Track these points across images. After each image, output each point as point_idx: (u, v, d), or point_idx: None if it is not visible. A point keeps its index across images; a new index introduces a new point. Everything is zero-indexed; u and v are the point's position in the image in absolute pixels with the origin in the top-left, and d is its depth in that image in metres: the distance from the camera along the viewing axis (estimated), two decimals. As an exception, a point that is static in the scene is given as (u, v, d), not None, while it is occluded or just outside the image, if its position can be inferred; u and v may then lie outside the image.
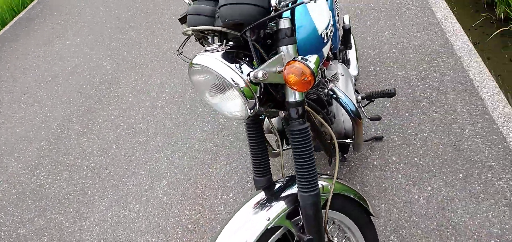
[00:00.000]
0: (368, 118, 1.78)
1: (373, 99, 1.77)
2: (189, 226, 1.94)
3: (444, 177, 1.73)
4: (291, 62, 0.87)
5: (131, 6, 4.52)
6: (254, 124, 1.14)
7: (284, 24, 0.93)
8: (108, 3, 4.80)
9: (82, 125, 2.92)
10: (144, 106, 2.87)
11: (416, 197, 1.70)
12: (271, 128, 1.32)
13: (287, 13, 0.93)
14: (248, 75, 0.91)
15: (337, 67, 1.63)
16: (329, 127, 1.19)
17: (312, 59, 0.87)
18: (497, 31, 2.64)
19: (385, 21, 2.80)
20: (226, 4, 0.88)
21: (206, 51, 0.95)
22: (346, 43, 1.96)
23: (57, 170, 2.59)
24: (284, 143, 1.56)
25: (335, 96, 1.38)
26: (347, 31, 1.92)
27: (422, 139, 1.91)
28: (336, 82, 1.46)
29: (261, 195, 1.12)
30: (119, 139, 2.65)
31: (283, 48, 0.93)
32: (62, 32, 4.47)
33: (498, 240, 1.49)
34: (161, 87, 3.00)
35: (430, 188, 1.71)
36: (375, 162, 1.88)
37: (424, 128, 1.96)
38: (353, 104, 1.37)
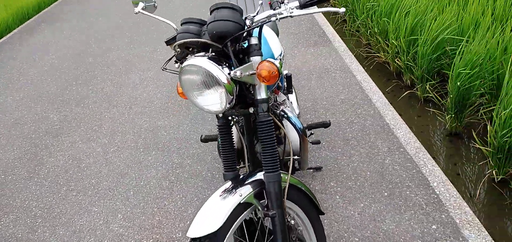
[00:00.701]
0: (310, 142, 2.12)
1: (312, 129, 2.12)
2: (148, 252, 2.02)
3: (373, 196, 2.08)
4: (262, 62, 1.18)
5: (79, 64, 4.63)
6: (225, 126, 1.40)
7: (253, 41, 1.26)
8: (53, 61, 4.86)
9: (28, 170, 2.88)
10: (95, 151, 2.95)
11: (352, 212, 2.02)
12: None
13: (256, 33, 1.27)
14: (229, 74, 1.19)
15: (284, 97, 1.97)
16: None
17: (276, 62, 1.19)
18: (406, 92, 3.25)
19: (316, 81, 3.29)
20: (214, 21, 1.19)
21: (195, 56, 1.23)
22: (288, 88, 2.34)
23: (2, 212, 2.51)
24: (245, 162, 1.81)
25: (286, 116, 1.70)
26: (289, 78, 2.31)
27: (353, 168, 2.28)
28: (286, 105, 1.79)
29: (230, 183, 1.35)
30: (70, 182, 2.67)
31: (252, 58, 1.24)
32: (2, 88, 4.39)
33: (420, 241, 1.82)
34: (112, 135, 3.11)
35: (362, 204, 2.04)
36: (316, 187, 2.19)
37: (354, 160, 2.34)
38: (301, 123, 1.70)
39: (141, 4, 1.47)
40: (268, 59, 1.20)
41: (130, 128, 3.15)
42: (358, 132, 2.57)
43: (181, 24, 1.31)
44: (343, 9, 1.27)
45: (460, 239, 1.78)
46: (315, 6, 1.30)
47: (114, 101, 3.63)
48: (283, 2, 1.28)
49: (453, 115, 2.75)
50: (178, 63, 1.34)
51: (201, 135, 2.20)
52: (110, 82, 4.04)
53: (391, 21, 3.53)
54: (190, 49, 1.31)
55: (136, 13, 1.47)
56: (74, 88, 4.06)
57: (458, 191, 2.09)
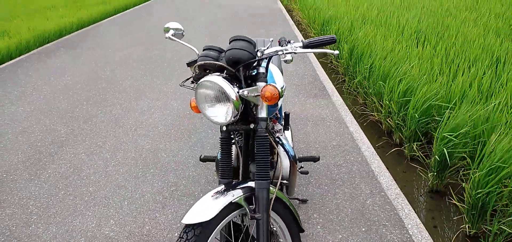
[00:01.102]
0: (300, 172, 2.28)
1: (302, 162, 2.29)
2: (135, 255, 2.13)
3: (351, 230, 2.21)
4: (267, 85, 1.40)
5: (92, 87, 4.89)
6: (226, 140, 1.59)
7: (262, 69, 1.50)
8: (67, 82, 5.13)
9: (29, 173, 3.03)
10: (97, 163, 3.11)
11: (330, 241, 2.14)
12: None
13: (264, 64, 1.51)
14: (238, 92, 1.41)
15: (281, 128, 2.17)
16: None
17: (278, 86, 1.41)
18: (394, 149, 3.44)
19: (312, 127, 3.50)
20: (232, 49, 1.42)
21: (211, 75, 1.44)
22: (285, 124, 2.54)
23: (3, 203, 2.63)
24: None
25: (280, 142, 1.89)
26: (287, 116, 2.52)
27: (336, 204, 2.42)
28: (282, 134, 1.98)
29: (223, 186, 1.51)
30: (68, 187, 2.81)
31: (259, 83, 1.46)
32: (15, 100, 4.62)
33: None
34: (114, 151, 3.28)
35: (340, 236, 2.17)
36: (301, 217, 2.32)
37: (338, 197, 2.49)
38: (293, 151, 1.89)
39: (171, 32, 1.73)
40: (271, 83, 1.41)
41: (132, 147, 3.33)
42: (345, 174, 2.73)
43: (203, 50, 1.55)
44: (337, 52, 1.51)
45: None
46: (317, 49, 1.53)
47: (120, 122, 3.84)
48: (289, 42, 1.53)
49: (435, 174, 2.92)
50: (194, 83, 1.56)
51: (200, 155, 2.38)
52: (119, 106, 4.27)
53: (386, 84, 3.80)
54: (207, 71, 1.54)
55: (166, 38, 1.73)
56: (84, 107, 4.28)
57: (434, 241, 2.22)
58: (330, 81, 4.87)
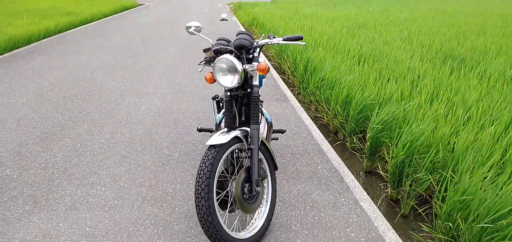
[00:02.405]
0: (275, 131, 3.10)
1: (274, 133, 3.12)
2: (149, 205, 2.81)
3: (307, 183, 3.04)
4: (261, 62, 2.23)
5: (76, 85, 5.41)
6: (230, 100, 2.37)
7: (256, 54, 2.33)
8: (51, 80, 5.61)
9: (41, 147, 3.58)
10: (99, 141, 3.72)
11: (292, 188, 2.95)
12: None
13: (257, 51, 2.35)
14: (242, 66, 2.22)
15: (263, 102, 2.99)
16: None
17: (268, 63, 2.25)
18: (338, 143, 4.37)
19: (277, 121, 4.35)
20: (239, 39, 2.25)
21: (224, 54, 2.24)
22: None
23: (23, 168, 3.18)
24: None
25: (262, 111, 2.71)
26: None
27: (296, 169, 3.26)
28: (262, 106, 2.80)
29: (228, 129, 2.29)
30: (79, 156, 3.41)
31: (253, 63, 2.28)
32: (4, 93, 5.04)
33: (329, 196, 2.77)
34: (112, 134, 3.91)
35: (299, 186, 3.00)
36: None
37: (297, 165, 3.33)
38: (270, 118, 2.71)
39: (192, 28, 2.54)
40: (263, 61, 2.25)
41: (127, 131, 3.98)
42: (302, 151, 3.59)
43: (217, 40, 2.36)
44: (304, 43, 2.39)
45: (349, 198, 2.76)
46: (291, 42, 2.38)
47: (112, 114, 4.46)
48: (275, 37, 2.37)
49: (368, 157, 3.86)
50: (206, 64, 2.37)
51: (197, 126, 3.14)
52: (107, 102, 4.87)
53: (333, 92, 4.76)
54: (219, 54, 2.33)
55: (189, 33, 2.54)
56: (75, 101, 4.84)
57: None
58: (289, 90, 5.79)
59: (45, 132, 3.90)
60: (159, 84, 5.77)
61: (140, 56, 7.73)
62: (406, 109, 3.96)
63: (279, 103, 5.06)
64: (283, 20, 11.43)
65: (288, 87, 6.20)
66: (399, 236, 2.55)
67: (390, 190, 3.40)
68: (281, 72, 7.21)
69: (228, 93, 2.37)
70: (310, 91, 5.55)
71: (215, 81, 2.42)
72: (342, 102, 4.48)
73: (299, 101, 5.51)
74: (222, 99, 3.41)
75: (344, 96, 4.47)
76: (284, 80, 6.62)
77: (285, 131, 3.23)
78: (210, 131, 3.22)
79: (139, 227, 2.45)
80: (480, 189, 2.48)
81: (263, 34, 2.64)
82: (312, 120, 4.70)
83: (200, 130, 3.22)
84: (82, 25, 13.14)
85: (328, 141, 4.08)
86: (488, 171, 2.75)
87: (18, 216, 2.55)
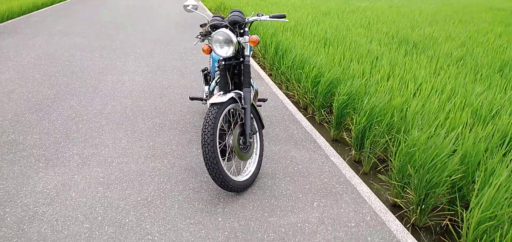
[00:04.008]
0: (259, 100, 3.56)
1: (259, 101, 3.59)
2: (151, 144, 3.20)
3: (285, 144, 3.54)
4: (252, 35, 2.68)
5: (56, 63, 5.57)
6: (224, 68, 2.81)
7: (247, 29, 2.77)
8: (30, 59, 5.72)
9: (38, 116, 3.83)
10: (93, 111, 4.02)
11: (274, 149, 3.44)
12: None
13: (248, 27, 2.80)
14: (237, 38, 2.65)
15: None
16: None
17: (258, 37, 2.70)
18: (307, 117, 4.91)
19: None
20: (233, 15, 2.69)
21: (221, 28, 2.66)
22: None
23: (27, 133, 3.44)
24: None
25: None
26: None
27: (275, 133, 3.75)
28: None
29: (224, 92, 2.73)
30: (78, 123, 3.71)
31: (245, 36, 2.73)
32: (-14, 68, 5.13)
33: (306, 157, 3.29)
34: (104, 105, 4.21)
35: (280, 146, 3.49)
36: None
37: (276, 130, 3.82)
38: (256, 86, 3.17)
39: (190, 6, 2.92)
40: (254, 35, 2.70)
41: (117, 104, 4.29)
42: (280, 120, 4.09)
43: (212, 17, 2.78)
44: (287, 20, 2.85)
45: (321, 154, 3.29)
46: (276, 19, 2.84)
47: (98, 89, 4.73)
48: (263, 15, 2.82)
49: (335, 126, 4.43)
50: (201, 37, 2.78)
51: (189, 95, 3.54)
52: (91, 78, 5.12)
53: (303, 72, 5.28)
54: (215, 29, 2.75)
55: (186, 11, 2.92)
56: (59, 78, 5.04)
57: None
58: (262, 71, 6.27)
59: (38, 103, 4.14)
60: (137, 62, 6.05)
61: (113, 38, 7.89)
62: (367, 84, 4.56)
63: (255, 81, 5.52)
64: (251, 7, 11.84)
65: (260, 68, 6.67)
66: (363, 181, 3.12)
67: (354, 152, 3.98)
68: (252, 55, 7.67)
69: (223, 63, 2.80)
70: (281, 71, 6.06)
71: (211, 52, 2.84)
72: (313, 80, 5.02)
73: (271, 80, 6.01)
74: (209, 72, 3.83)
75: (315, 75, 5.01)
76: (255, 59, 7.08)
77: (266, 99, 3.73)
78: (201, 99, 3.64)
79: (146, 177, 2.85)
80: (425, 142, 3.09)
81: (253, 12, 3.08)
82: (286, 96, 5.21)
83: (192, 99, 3.63)
84: (46, 6, 12.86)
85: (300, 113, 4.61)
86: (434, 130, 3.37)
87: (35, 171, 2.86)
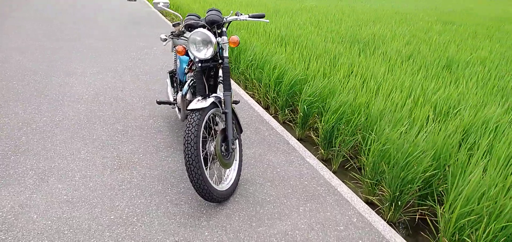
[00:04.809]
0: (233, 102, 3.41)
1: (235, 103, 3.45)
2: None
3: (257, 145, 3.45)
4: (233, 36, 2.53)
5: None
6: (200, 72, 2.62)
7: (224, 29, 2.62)
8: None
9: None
10: (41, 120, 3.61)
11: (250, 152, 3.32)
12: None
13: (225, 26, 2.64)
14: (216, 39, 2.49)
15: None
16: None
17: (238, 38, 2.56)
18: (271, 117, 4.85)
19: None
20: (211, 15, 2.51)
21: (198, 28, 2.48)
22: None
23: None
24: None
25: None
26: None
27: (248, 135, 3.63)
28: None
29: (202, 97, 2.55)
30: (28, 134, 3.30)
31: (223, 37, 2.57)
32: None
33: (281, 157, 3.22)
34: (53, 112, 3.80)
35: (254, 149, 3.38)
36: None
37: (248, 133, 3.70)
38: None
39: (161, 4, 2.70)
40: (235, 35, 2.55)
41: (69, 109, 3.90)
42: (249, 121, 3.98)
43: (187, 16, 2.59)
44: (268, 20, 2.75)
45: (297, 156, 3.25)
46: (255, 19, 2.71)
47: (44, 93, 4.28)
48: (242, 14, 2.67)
49: (301, 126, 4.42)
50: (173, 38, 2.58)
51: (156, 99, 3.30)
52: (35, 81, 4.62)
53: (264, 71, 5.21)
54: (191, 29, 2.57)
55: (157, 9, 2.68)
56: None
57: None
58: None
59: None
60: (85, 63, 5.59)
61: (56, 36, 7.24)
62: (331, 84, 4.60)
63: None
64: (199, 2, 11.55)
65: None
66: (342, 182, 3.12)
67: (322, 151, 3.99)
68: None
69: (199, 65, 2.62)
70: (240, 71, 5.94)
71: (186, 53, 2.66)
72: (275, 79, 4.97)
73: (232, 80, 5.87)
74: (174, 74, 3.61)
75: (277, 74, 4.96)
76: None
77: (238, 102, 3.58)
78: (170, 103, 3.41)
79: (116, 191, 2.59)
80: (397, 139, 3.17)
81: (231, 11, 2.93)
82: (250, 97, 5.11)
83: (159, 103, 3.38)
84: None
85: (267, 113, 4.54)
86: (405, 128, 3.47)
87: (-17, 192, 2.48)
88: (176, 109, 3.38)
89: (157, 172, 2.87)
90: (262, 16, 2.72)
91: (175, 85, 3.58)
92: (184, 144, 2.28)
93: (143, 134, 3.49)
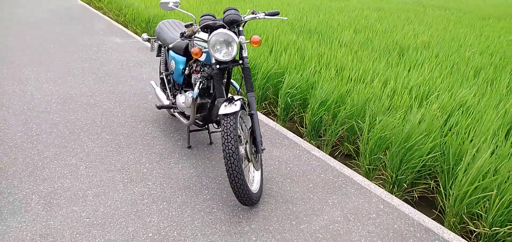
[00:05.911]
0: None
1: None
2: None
3: (261, 144, 3.43)
4: (254, 35, 2.46)
5: None
6: (219, 75, 2.51)
7: (241, 28, 2.53)
8: None
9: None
10: (17, 137, 3.19)
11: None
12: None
13: (242, 27, 2.56)
14: (239, 39, 2.40)
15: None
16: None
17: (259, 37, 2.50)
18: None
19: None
20: (230, 14, 2.42)
21: (219, 29, 2.37)
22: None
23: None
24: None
25: (232, 83, 2.92)
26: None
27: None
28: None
29: (228, 100, 2.46)
30: (9, 154, 2.90)
31: (241, 36, 2.49)
32: None
33: (284, 157, 3.25)
34: (25, 126, 3.38)
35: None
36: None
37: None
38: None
39: (171, 4, 2.52)
40: (256, 35, 2.49)
41: (41, 121, 3.50)
42: (239, 119, 3.93)
43: (201, 17, 2.46)
44: (286, 18, 2.72)
45: (302, 150, 3.31)
46: (271, 17, 2.67)
47: (2, 104, 3.77)
48: (259, 12, 2.61)
49: (282, 119, 4.47)
50: (187, 39, 2.45)
51: (156, 104, 3.11)
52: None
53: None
54: (206, 30, 2.45)
55: (167, 9, 2.51)
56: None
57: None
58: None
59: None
60: (36, 67, 5.02)
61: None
62: (312, 77, 4.72)
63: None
64: (199, 3, 10.95)
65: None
66: (354, 171, 3.24)
67: (311, 142, 4.10)
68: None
69: (217, 67, 2.52)
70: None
71: (202, 55, 2.55)
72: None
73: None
74: (167, 76, 3.43)
75: (252, 68, 4.94)
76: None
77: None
78: (169, 107, 3.22)
79: (141, 206, 2.41)
80: (398, 125, 3.37)
81: (248, 10, 2.84)
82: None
83: (159, 108, 3.18)
84: None
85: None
86: (400, 115, 3.70)
87: (-15, 226, 2.14)
88: (176, 113, 3.22)
89: (173, 181, 2.72)
90: (277, 14, 2.69)
91: (168, 87, 3.39)
92: (224, 150, 2.19)
93: (138, 141, 3.27)
